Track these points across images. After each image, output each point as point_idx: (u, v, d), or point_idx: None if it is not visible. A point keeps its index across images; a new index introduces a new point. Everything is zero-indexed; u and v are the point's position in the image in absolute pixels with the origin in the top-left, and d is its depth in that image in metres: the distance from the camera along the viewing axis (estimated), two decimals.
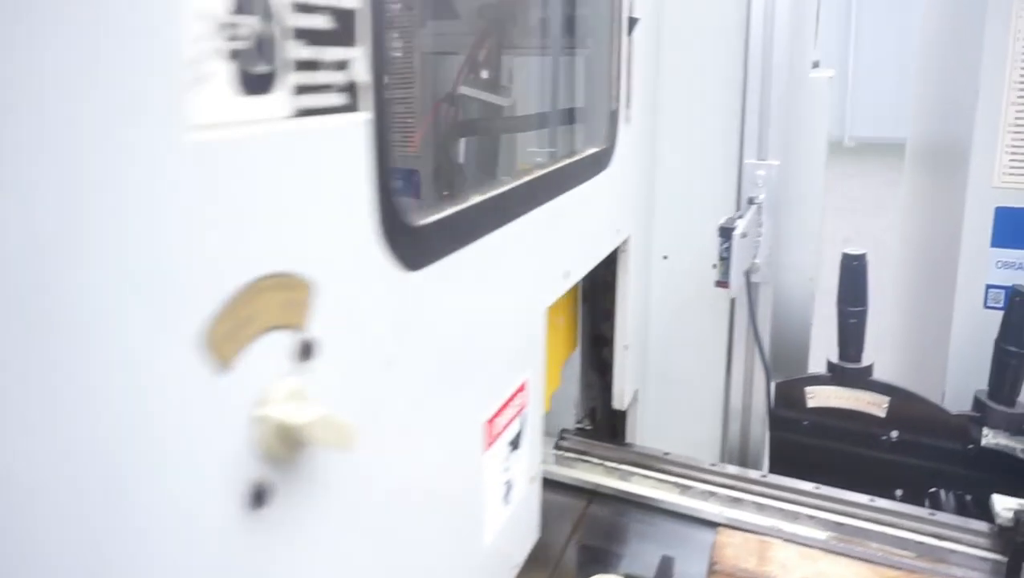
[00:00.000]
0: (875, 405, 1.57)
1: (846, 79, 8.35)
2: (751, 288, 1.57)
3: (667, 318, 1.71)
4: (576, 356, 1.74)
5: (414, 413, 0.75)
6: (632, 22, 1.37)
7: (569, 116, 1.38)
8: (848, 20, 8.19)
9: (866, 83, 8.75)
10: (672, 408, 1.77)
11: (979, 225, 1.53)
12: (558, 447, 1.68)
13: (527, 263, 1.05)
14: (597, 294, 1.70)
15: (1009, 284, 1.49)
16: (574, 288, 1.68)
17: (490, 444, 0.96)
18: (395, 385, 0.71)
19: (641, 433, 1.78)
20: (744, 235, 1.30)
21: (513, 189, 0.98)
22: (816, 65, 2.01)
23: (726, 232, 1.27)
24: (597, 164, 1.29)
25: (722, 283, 1.28)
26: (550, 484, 1.65)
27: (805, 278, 1.74)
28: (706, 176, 1.62)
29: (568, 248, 1.20)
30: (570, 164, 1.18)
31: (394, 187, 0.69)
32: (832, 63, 9.09)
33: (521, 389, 1.05)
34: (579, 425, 1.78)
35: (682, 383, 1.74)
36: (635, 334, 1.70)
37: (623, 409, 1.62)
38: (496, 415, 0.97)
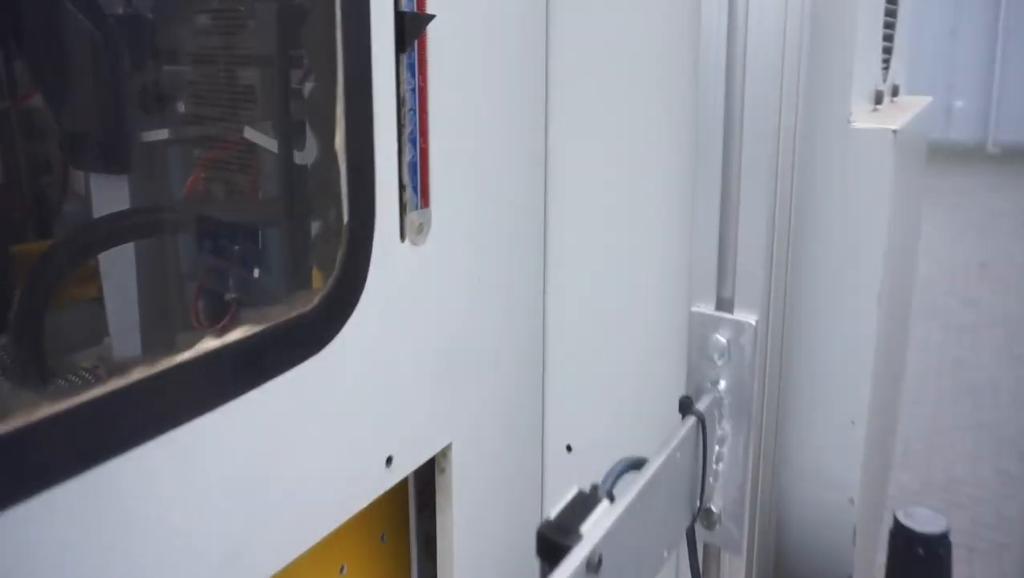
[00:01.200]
0: None
1: (992, 73, 6.98)
2: (699, 553, 0.81)
3: None
4: None
5: None
6: (413, 21, 0.63)
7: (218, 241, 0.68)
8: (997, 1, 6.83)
9: (1018, 76, 7.27)
10: None
11: None
12: None
13: None
14: None
15: None
16: (401, 490, 0.98)
17: None
18: None
19: None
20: (600, 566, 0.55)
21: None
22: (895, 93, 1.20)
23: (550, 553, 0.53)
24: (272, 355, 0.59)
25: None
26: None
27: (843, 498, 0.97)
28: (648, 327, 0.87)
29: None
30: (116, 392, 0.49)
31: None
32: (974, 51, 7.62)
33: None
34: None
35: None
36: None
37: None
38: None
